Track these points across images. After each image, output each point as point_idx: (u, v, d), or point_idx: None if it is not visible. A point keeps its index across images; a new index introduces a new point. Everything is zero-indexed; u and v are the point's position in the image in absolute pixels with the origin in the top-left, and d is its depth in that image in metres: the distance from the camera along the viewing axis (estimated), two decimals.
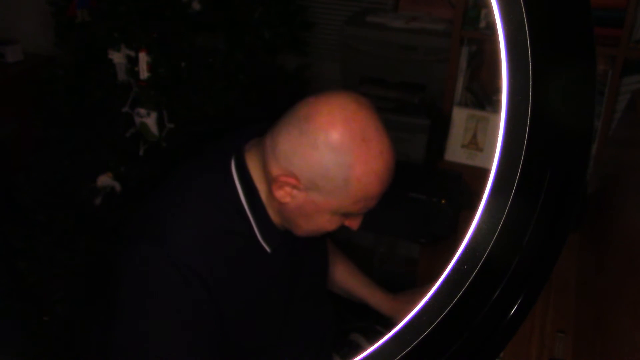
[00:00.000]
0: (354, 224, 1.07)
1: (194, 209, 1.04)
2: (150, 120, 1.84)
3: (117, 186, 1.92)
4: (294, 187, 0.98)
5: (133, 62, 1.83)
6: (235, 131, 1.12)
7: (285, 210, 1.03)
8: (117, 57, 1.83)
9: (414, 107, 2.34)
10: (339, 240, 1.47)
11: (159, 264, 0.99)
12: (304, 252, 1.18)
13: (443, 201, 2.02)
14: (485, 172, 0.49)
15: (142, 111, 1.84)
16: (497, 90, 2.33)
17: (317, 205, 0.99)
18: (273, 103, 1.97)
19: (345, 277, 1.44)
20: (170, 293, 1.00)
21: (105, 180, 1.91)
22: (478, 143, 2.32)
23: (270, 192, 1.03)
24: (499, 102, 0.48)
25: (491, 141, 2.33)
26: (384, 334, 0.52)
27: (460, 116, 2.33)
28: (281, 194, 1.00)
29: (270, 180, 1.01)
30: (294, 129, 0.97)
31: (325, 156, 0.94)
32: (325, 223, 1.03)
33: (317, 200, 0.99)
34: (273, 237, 1.07)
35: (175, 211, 1.04)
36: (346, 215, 1.02)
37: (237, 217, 1.05)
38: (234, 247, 1.05)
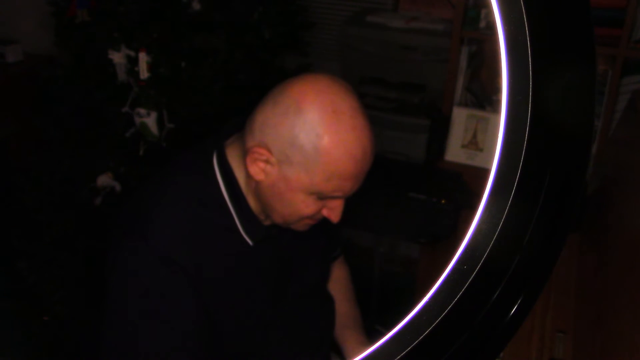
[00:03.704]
0: (332, 214, 1.04)
1: (177, 204, 1.05)
2: (150, 120, 1.84)
3: (117, 186, 1.92)
4: (266, 161, 0.99)
5: (133, 62, 1.83)
6: (219, 128, 1.13)
7: (261, 192, 1.03)
8: (117, 57, 1.83)
9: (414, 107, 2.34)
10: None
11: (144, 259, 1.01)
12: (295, 250, 1.18)
13: (443, 201, 2.02)
14: (485, 172, 0.49)
15: (142, 111, 1.84)
16: (497, 90, 2.34)
17: (289, 182, 0.99)
18: None
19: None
20: (156, 286, 1.01)
21: (105, 180, 1.91)
22: (478, 143, 2.32)
23: (248, 179, 1.04)
24: (499, 102, 0.48)
25: (491, 141, 2.33)
26: (384, 334, 0.52)
27: (460, 116, 2.33)
28: (255, 169, 1.00)
29: (245, 156, 1.01)
30: (269, 102, 0.99)
31: (295, 124, 0.95)
32: (301, 204, 1.01)
33: (289, 176, 0.98)
34: (255, 230, 1.08)
35: (159, 207, 1.05)
36: (321, 197, 1.01)
37: (220, 210, 1.06)
38: (217, 241, 1.06)
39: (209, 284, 1.04)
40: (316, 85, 0.97)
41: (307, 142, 0.95)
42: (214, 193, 1.05)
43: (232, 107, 1.87)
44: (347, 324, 1.35)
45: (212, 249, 1.06)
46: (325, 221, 1.08)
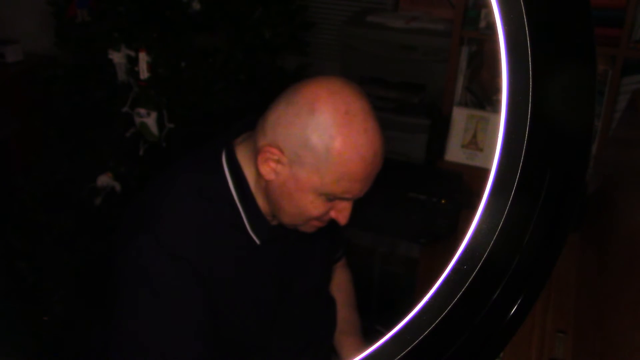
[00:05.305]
0: (341, 216, 1.04)
1: (186, 202, 1.06)
2: (150, 120, 1.84)
3: (117, 186, 1.92)
4: (277, 161, 0.99)
5: (133, 62, 1.83)
6: (228, 127, 1.13)
7: (271, 191, 1.03)
8: (117, 57, 1.83)
9: (414, 107, 2.34)
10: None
11: (152, 254, 1.01)
12: (299, 251, 1.19)
13: (443, 201, 2.02)
14: (485, 172, 0.49)
15: (142, 111, 1.84)
16: (497, 90, 2.33)
17: (299, 181, 0.99)
18: None
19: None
20: (164, 283, 1.02)
21: (105, 180, 1.91)
22: (478, 143, 2.32)
23: (257, 178, 1.04)
24: (499, 102, 0.48)
25: (491, 141, 2.32)
26: (384, 334, 0.52)
27: (460, 116, 2.33)
28: (266, 169, 1.00)
29: (256, 156, 1.02)
30: (282, 102, 1.00)
31: (308, 124, 0.95)
32: (309, 205, 1.01)
33: (299, 176, 0.98)
34: (262, 229, 1.08)
35: (168, 204, 1.05)
36: (330, 198, 1.01)
37: (228, 208, 1.06)
38: (225, 239, 1.07)
39: (215, 281, 1.04)
40: (329, 87, 0.97)
41: (319, 143, 0.95)
42: (223, 191, 1.06)
43: (232, 107, 1.87)
44: (346, 329, 1.35)
45: (220, 247, 1.06)
46: (329, 223, 1.08)
